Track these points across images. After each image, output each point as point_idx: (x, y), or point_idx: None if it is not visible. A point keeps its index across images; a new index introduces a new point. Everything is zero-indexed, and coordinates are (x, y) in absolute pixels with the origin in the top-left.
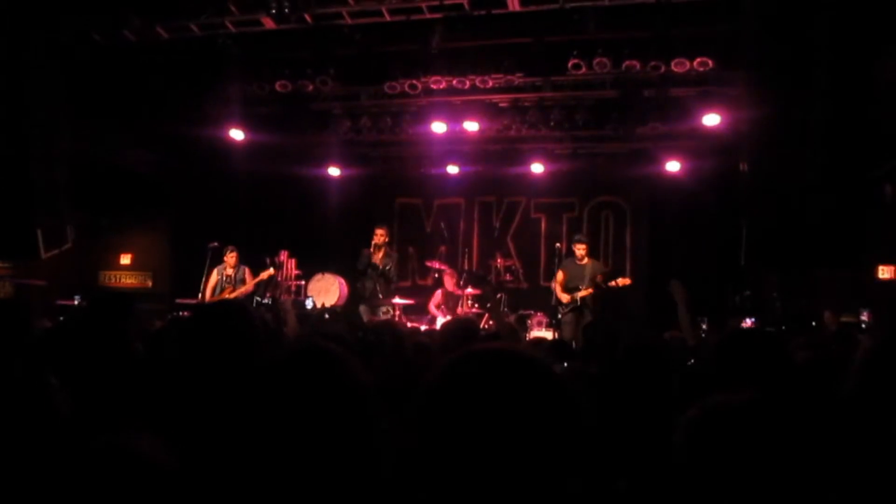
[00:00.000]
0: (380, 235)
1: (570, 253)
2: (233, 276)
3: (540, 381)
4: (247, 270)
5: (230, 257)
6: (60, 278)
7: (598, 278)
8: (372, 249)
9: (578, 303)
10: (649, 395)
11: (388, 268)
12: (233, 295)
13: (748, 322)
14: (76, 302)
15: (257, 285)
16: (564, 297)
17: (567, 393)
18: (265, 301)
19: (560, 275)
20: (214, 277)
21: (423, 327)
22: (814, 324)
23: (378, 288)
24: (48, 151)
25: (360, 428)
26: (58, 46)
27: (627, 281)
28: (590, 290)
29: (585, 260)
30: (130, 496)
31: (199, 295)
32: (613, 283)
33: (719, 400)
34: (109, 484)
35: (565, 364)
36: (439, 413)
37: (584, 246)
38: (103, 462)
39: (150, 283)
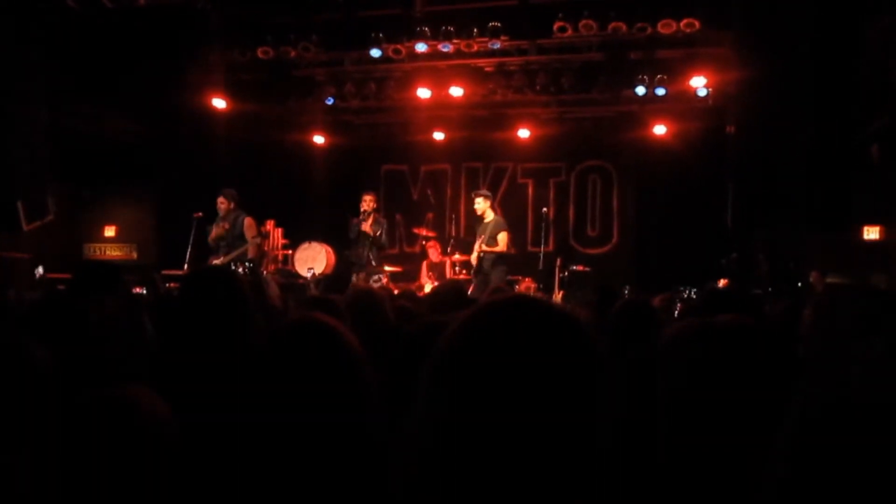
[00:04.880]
0: (368, 202)
1: None
2: (229, 229)
3: (563, 327)
4: (248, 223)
5: (220, 202)
6: (44, 251)
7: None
8: (361, 216)
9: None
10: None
11: (378, 234)
12: (227, 259)
13: (722, 282)
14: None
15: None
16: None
17: (591, 339)
18: (244, 270)
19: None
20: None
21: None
22: (800, 285)
23: (370, 255)
24: (27, 123)
25: (355, 398)
26: (33, 15)
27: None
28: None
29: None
30: (128, 444)
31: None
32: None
33: (696, 321)
34: (108, 432)
35: None
36: (462, 368)
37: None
38: (101, 411)
39: (135, 255)
